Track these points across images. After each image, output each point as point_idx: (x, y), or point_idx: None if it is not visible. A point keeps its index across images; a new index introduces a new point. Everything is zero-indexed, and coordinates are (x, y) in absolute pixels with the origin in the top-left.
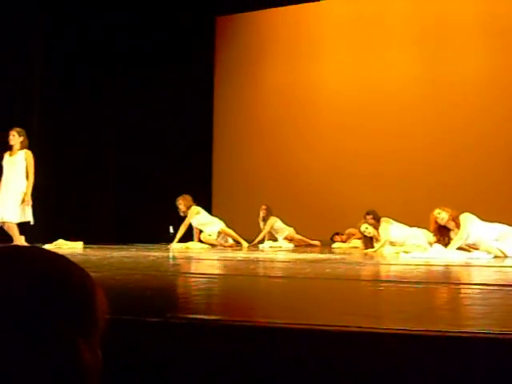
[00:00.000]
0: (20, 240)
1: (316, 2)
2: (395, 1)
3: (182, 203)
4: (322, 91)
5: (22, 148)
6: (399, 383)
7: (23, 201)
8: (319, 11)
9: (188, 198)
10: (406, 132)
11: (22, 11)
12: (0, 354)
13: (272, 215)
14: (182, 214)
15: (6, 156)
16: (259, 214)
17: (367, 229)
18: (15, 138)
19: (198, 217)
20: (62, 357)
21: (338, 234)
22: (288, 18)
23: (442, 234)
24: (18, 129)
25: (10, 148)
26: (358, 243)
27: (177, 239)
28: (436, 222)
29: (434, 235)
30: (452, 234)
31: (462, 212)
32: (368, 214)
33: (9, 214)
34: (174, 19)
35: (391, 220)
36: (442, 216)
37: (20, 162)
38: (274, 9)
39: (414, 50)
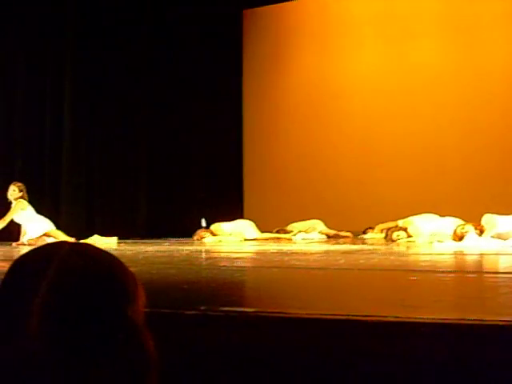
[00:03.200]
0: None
1: None
2: None
3: (205, 231)
4: (351, 82)
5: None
6: (438, 372)
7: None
8: (347, 2)
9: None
10: (438, 124)
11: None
12: (78, 342)
13: (287, 226)
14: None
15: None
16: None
17: (399, 236)
18: (15, 193)
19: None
20: (133, 345)
21: (370, 228)
22: (315, 8)
23: None
24: (19, 183)
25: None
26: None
27: None
28: (462, 238)
29: None
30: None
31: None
32: (387, 231)
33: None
34: (201, 13)
35: (414, 218)
36: (467, 228)
37: (20, 213)
38: (301, 0)
39: (444, 39)
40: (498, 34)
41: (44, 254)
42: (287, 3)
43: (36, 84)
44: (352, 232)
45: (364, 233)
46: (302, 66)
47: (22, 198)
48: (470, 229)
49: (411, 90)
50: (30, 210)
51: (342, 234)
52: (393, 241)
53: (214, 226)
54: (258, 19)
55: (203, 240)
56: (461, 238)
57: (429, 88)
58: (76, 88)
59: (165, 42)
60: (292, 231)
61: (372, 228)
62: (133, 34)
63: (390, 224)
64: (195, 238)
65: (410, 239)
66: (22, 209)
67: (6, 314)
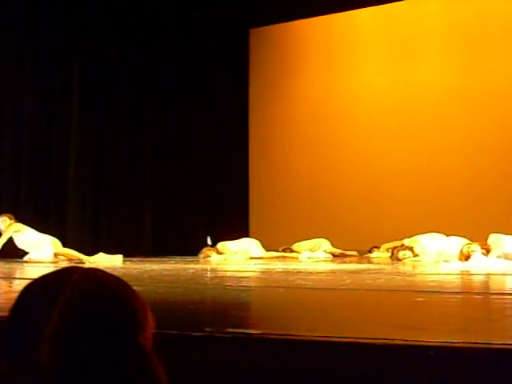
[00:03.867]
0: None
1: (349, 12)
2: (428, 9)
3: (210, 250)
4: (357, 101)
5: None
6: None
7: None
8: (352, 21)
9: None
10: (443, 143)
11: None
12: (90, 366)
13: (292, 246)
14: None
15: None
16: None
17: (405, 255)
18: (6, 223)
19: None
20: (144, 372)
21: (376, 247)
22: (321, 28)
23: None
24: (8, 214)
25: None
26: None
27: None
28: (468, 258)
29: None
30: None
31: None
32: (393, 250)
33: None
34: (208, 33)
35: (421, 237)
36: (473, 248)
37: (17, 236)
38: (307, 20)
39: (450, 58)
40: (506, 52)
41: (55, 280)
42: (293, 22)
43: (43, 102)
44: (358, 251)
45: (370, 252)
46: (307, 84)
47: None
48: (476, 248)
49: (417, 107)
50: (29, 232)
51: (348, 252)
52: (399, 260)
53: (220, 245)
54: (264, 38)
55: (209, 258)
56: (467, 258)
57: (435, 106)
58: (83, 108)
59: (172, 61)
60: (298, 251)
61: (378, 247)
62: (141, 50)
63: (396, 243)
64: (201, 256)
65: (415, 258)
66: (17, 231)
67: (18, 341)
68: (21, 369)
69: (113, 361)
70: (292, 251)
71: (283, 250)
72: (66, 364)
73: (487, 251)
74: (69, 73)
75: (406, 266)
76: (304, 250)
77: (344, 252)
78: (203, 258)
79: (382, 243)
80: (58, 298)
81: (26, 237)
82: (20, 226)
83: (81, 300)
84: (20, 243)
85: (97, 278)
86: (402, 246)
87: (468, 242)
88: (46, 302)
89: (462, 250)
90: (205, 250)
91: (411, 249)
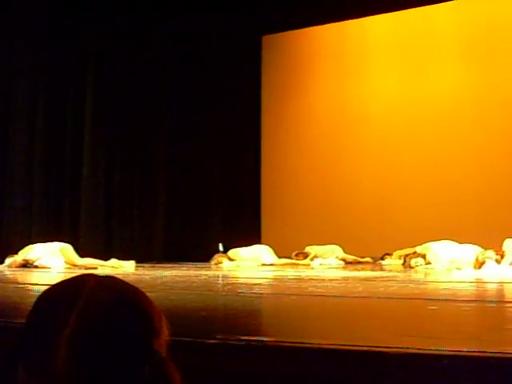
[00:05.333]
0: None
1: (361, 19)
2: (440, 16)
3: (222, 256)
4: (370, 107)
5: None
6: None
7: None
8: (364, 28)
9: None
10: (457, 149)
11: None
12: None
13: (305, 248)
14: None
15: None
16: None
17: (417, 262)
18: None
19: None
20: (159, 378)
21: (388, 254)
22: (333, 35)
23: None
24: None
25: None
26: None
27: None
28: (483, 263)
29: None
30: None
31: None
32: (405, 257)
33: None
34: (221, 39)
35: (433, 244)
36: (489, 254)
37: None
38: (319, 27)
39: (463, 65)
40: None
41: (70, 288)
42: (306, 29)
43: (56, 109)
44: (370, 258)
45: (382, 259)
46: (320, 91)
47: None
48: (490, 255)
49: (430, 116)
50: (36, 246)
51: (361, 259)
52: (411, 267)
53: (232, 252)
54: (276, 45)
55: (220, 265)
56: (481, 265)
57: (448, 113)
58: (96, 115)
59: (185, 67)
60: (310, 253)
61: (390, 254)
62: (153, 59)
63: (409, 250)
64: (213, 262)
65: (428, 266)
66: (25, 254)
67: (34, 348)
68: (37, 376)
69: (129, 367)
70: (305, 255)
71: (296, 255)
72: (82, 371)
73: (502, 257)
74: (82, 84)
75: (418, 274)
76: (317, 253)
77: (356, 259)
78: (215, 264)
79: (395, 250)
80: (74, 306)
81: (36, 250)
82: (25, 249)
83: (96, 308)
84: (34, 258)
85: (111, 286)
86: (415, 253)
87: (481, 249)
88: (62, 309)
89: (477, 258)
90: (216, 256)
91: (424, 256)
